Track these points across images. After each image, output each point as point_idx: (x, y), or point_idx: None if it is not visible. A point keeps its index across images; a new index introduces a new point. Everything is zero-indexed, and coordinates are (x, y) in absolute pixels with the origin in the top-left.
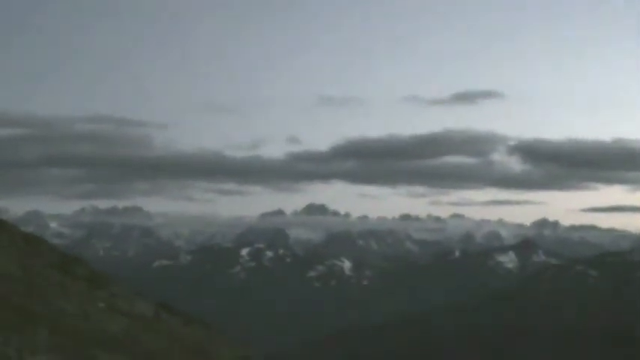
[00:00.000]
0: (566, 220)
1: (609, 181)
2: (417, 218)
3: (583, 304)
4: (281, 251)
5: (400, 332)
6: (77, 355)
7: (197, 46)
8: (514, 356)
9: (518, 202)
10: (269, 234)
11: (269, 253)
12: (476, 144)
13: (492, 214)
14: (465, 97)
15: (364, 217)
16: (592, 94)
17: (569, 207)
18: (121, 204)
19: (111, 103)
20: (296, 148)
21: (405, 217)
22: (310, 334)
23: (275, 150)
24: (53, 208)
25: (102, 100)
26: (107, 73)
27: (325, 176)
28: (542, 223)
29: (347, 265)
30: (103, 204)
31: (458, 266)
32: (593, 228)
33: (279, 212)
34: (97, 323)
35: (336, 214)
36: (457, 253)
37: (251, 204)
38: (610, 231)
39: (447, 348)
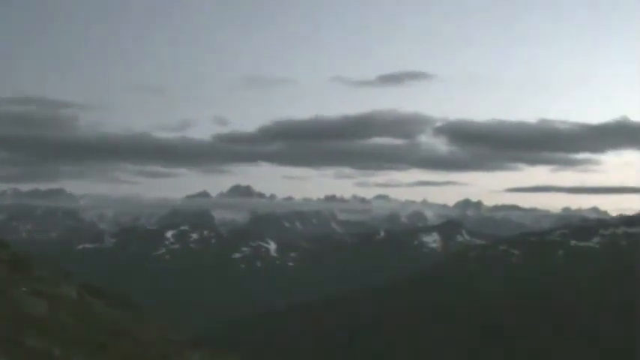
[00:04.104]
0: (490, 201)
1: (533, 161)
2: (342, 199)
3: (506, 283)
4: (206, 233)
5: (326, 313)
6: (2, 340)
7: (124, 27)
8: (439, 336)
9: (442, 183)
10: (194, 216)
11: (194, 235)
12: (403, 125)
13: (417, 195)
14: (392, 78)
15: (289, 199)
16: (517, 75)
17: (493, 187)
18: (45, 187)
19: (36, 83)
20: (223, 130)
21: (331, 199)
22: (236, 316)
23: (202, 131)
24: None
25: (26, 80)
26: (32, 53)
27: (251, 158)
28: (466, 204)
29: (272, 246)
30: (26, 187)
31: (383, 246)
32: (515, 208)
33: (205, 194)
34: (20, 307)
35: (261, 195)
36: (382, 234)
37: (176, 186)
38: (532, 211)
39: (370, 328)
